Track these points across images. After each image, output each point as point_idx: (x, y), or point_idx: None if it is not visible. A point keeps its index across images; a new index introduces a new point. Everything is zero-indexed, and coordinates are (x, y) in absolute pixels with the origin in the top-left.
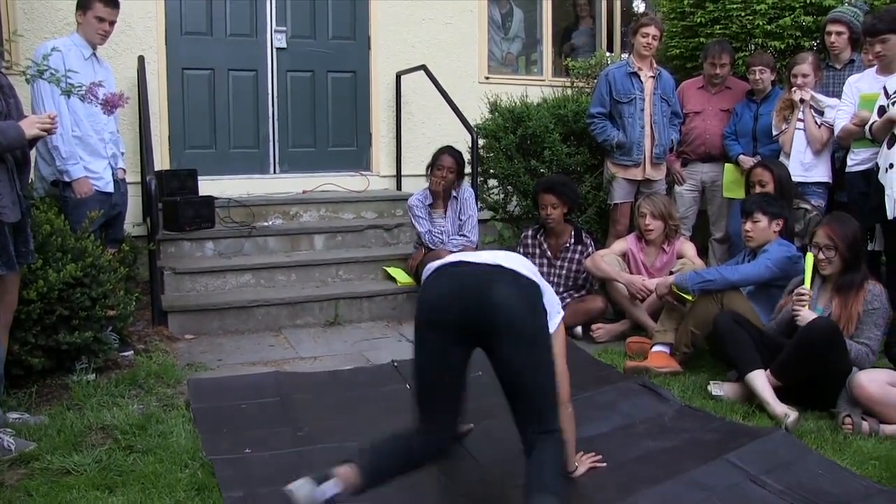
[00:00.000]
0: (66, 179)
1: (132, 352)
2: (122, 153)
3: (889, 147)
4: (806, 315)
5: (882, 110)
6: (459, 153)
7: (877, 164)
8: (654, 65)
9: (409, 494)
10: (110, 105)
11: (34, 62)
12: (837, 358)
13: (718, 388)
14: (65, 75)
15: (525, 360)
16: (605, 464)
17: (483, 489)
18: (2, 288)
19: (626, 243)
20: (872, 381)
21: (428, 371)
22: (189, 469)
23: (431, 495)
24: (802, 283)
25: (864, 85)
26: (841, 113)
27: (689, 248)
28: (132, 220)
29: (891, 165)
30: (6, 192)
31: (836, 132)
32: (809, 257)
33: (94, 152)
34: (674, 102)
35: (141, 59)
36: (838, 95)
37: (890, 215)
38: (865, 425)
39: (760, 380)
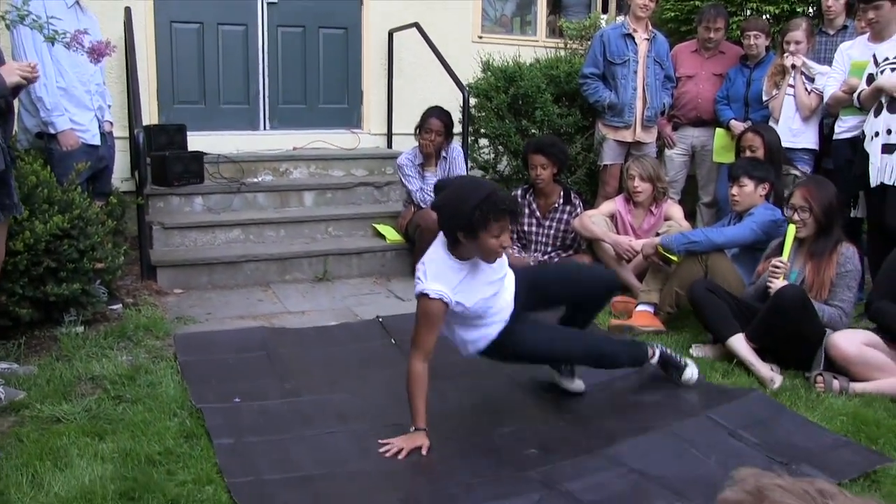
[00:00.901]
0: (52, 132)
1: (121, 305)
2: (109, 106)
3: (876, 115)
4: (778, 286)
5: (871, 78)
6: (448, 114)
7: (863, 131)
8: (650, 27)
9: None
10: (97, 53)
11: (14, 6)
12: (808, 324)
13: (700, 350)
14: (48, 21)
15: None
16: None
17: (467, 439)
18: None
19: (615, 204)
20: (849, 341)
21: None
22: (178, 417)
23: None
24: (781, 247)
25: (855, 52)
26: (831, 80)
27: (677, 211)
28: (120, 175)
29: (876, 133)
30: None
31: (825, 99)
32: (791, 229)
33: (80, 104)
34: (667, 66)
35: (128, 11)
36: (830, 62)
37: (873, 183)
38: (836, 383)
39: (741, 344)
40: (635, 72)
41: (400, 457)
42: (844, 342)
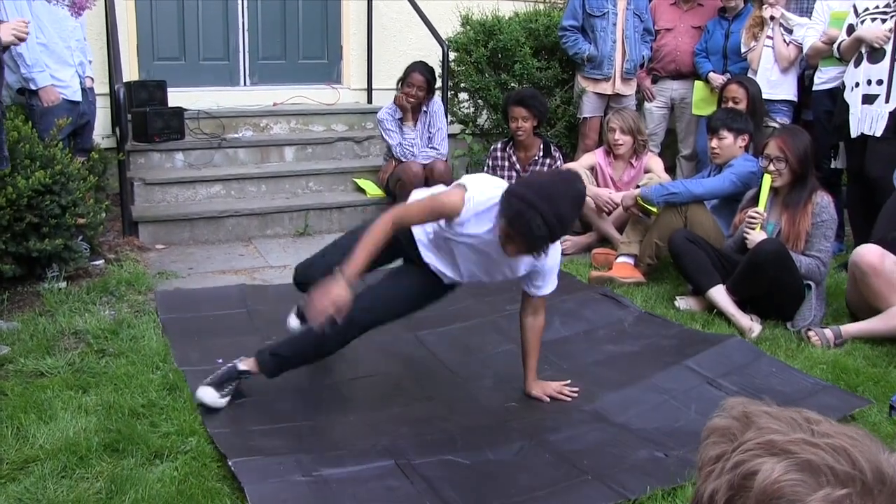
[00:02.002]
0: (32, 87)
1: (103, 261)
2: (90, 61)
3: (856, 66)
4: (755, 237)
5: (851, 29)
6: (431, 69)
7: (843, 82)
8: None
9: (377, 397)
10: (78, 7)
11: None
12: (787, 276)
13: (684, 302)
14: None
15: None
16: (576, 394)
17: (449, 391)
18: None
19: (595, 157)
20: (876, 253)
21: None
22: (160, 371)
23: (397, 397)
24: (757, 198)
25: (835, 3)
26: (811, 31)
27: (657, 163)
28: (101, 132)
29: (856, 84)
30: None
31: (804, 50)
32: (767, 179)
33: (61, 60)
34: (646, 19)
35: None
36: (811, 13)
37: (853, 133)
38: (829, 333)
39: (721, 295)
40: (614, 24)
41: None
42: (871, 253)
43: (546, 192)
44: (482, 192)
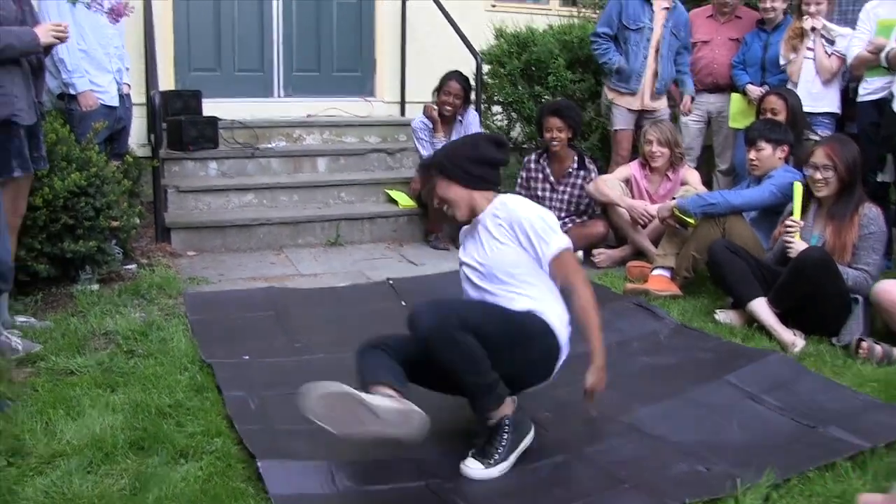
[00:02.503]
0: (72, 92)
1: (135, 265)
2: (128, 68)
3: None
4: (798, 246)
5: None
6: (466, 79)
7: (891, 92)
8: None
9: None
10: (115, 13)
11: None
12: (832, 286)
13: (724, 315)
14: None
15: None
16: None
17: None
18: (15, 191)
19: (630, 169)
20: (891, 286)
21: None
22: (188, 372)
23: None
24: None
25: (882, 11)
26: (855, 40)
27: (693, 176)
28: (136, 140)
29: None
30: (22, 95)
31: (849, 60)
32: (797, 187)
33: (100, 66)
34: (683, 37)
35: None
36: (853, 24)
37: None
38: (879, 349)
39: (763, 307)
40: (648, 39)
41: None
42: (892, 286)
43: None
44: None
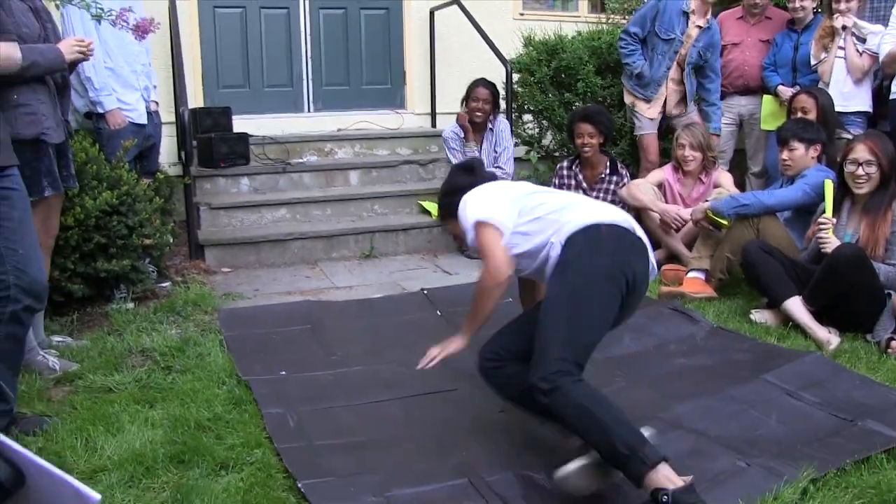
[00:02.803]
0: (100, 111)
1: (169, 283)
2: (155, 86)
3: None
4: (832, 243)
5: None
6: (493, 84)
7: None
8: (709, 16)
9: (445, 411)
10: (141, 30)
11: None
12: (867, 281)
13: (759, 315)
14: (94, 1)
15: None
16: None
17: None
18: (46, 211)
19: (663, 173)
20: None
21: (608, 324)
22: (226, 386)
23: (466, 412)
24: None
25: None
26: (888, 37)
27: (726, 179)
28: (167, 159)
29: None
30: (49, 113)
31: (881, 57)
32: (828, 184)
33: (127, 84)
34: (711, 60)
35: None
36: (886, 21)
37: None
38: None
39: (798, 306)
40: (675, 52)
41: (434, 362)
42: None
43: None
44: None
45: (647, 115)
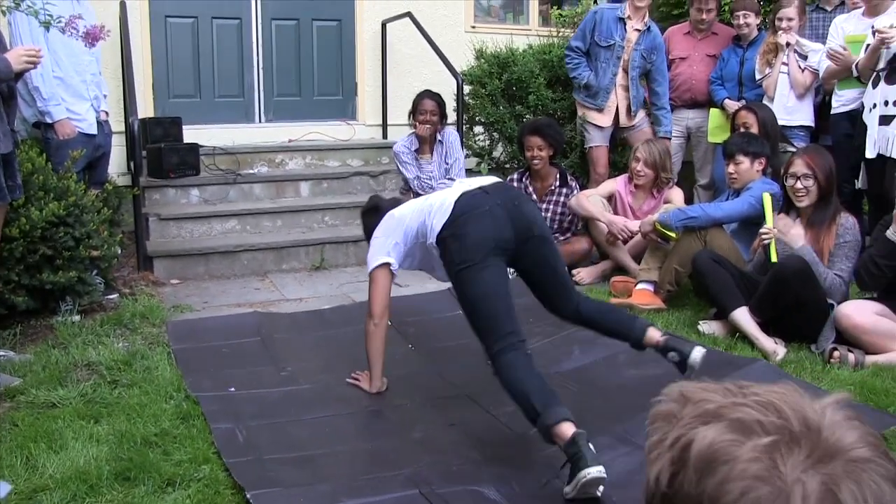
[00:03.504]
0: (48, 121)
1: (117, 295)
2: (105, 95)
3: (874, 87)
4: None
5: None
6: (439, 95)
7: (862, 103)
8: (646, 18)
9: (397, 425)
10: (91, 37)
11: None
12: (810, 292)
13: (707, 326)
14: (43, 7)
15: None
16: None
17: (471, 417)
18: None
19: (615, 185)
20: (861, 311)
21: (501, 291)
22: (174, 400)
23: (417, 425)
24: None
25: (849, 26)
26: (826, 55)
27: (677, 195)
28: (116, 169)
29: (874, 105)
30: None
31: (821, 74)
32: (766, 197)
33: (76, 94)
34: (656, 60)
35: (122, 5)
36: (825, 39)
37: (870, 154)
38: (852, 357)
39: (745, 317)
40: (618, 58)
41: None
42: (857, 313)
43: None
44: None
45: (600, 123)
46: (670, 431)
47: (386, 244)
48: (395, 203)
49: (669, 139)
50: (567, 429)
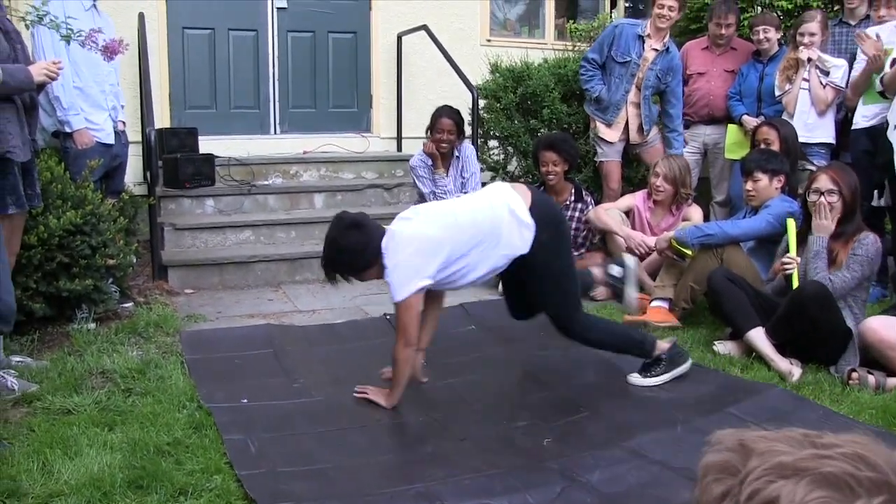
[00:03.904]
0: (67, 130)
1: (132, 304)
2: (123, 106)
3: None
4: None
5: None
6: (458, 112)
7: (886, 120)
8: (666, 40)
9: (408, 439)
10: (110, 51)
11: (34, 7)
12: (830, 320)
13: (722, 346)
14: (65, 21)
15: None
16: None
17: (483, 431)
18: (9, 230)
19: (634, 199)
20: (886, 325)
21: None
22: (187, 410)
23: (429, 439)
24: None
25: (882, 35)
26: (857, 65)
27: (696, 213)
28: (133, 179)
29: None
30: (16, 132)
31: (851, 77)
32: (790, 223)
33: (95, 104)
34: (671, 83)
35: (141, 17)
36: (851, 53)
37: None
38: (872, 379)
39: (760, 338)
40: (633, 75)
41: (360, 396)
42: (883, 327)
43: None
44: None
45: (609, 138)
46: (739, 486)
47: (425, 267)
48: (368, 218)
49: None
50: (663, 343)
